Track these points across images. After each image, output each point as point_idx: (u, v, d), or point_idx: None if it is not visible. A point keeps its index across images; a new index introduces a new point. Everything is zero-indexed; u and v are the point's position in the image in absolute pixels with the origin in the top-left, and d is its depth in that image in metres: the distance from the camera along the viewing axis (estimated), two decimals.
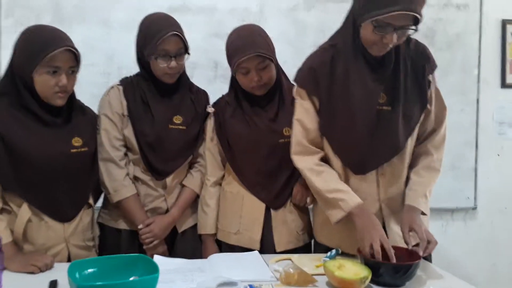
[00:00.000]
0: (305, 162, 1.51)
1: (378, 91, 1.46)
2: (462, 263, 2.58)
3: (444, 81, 2.49)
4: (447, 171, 2.51)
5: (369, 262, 1.34)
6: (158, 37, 1.59)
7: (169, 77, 1.67)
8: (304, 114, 1.53)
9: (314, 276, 1.35)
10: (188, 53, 1.69)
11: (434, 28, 2.50)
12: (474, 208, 2.59)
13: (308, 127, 1.52)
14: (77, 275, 1.18)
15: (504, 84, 2.59)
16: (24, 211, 1.41)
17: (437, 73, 2.47)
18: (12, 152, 1.38)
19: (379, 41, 1.38)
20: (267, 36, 1.67)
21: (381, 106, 1.47)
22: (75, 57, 1.45)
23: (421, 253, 1.36)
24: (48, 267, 1.38)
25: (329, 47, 1.52)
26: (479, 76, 2.55)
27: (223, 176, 1.78)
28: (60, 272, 1.29)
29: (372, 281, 1.33)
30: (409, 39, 1.50)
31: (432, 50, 2.47)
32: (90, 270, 1.22)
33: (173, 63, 1.63)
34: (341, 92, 1.47)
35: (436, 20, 2.50)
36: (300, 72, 1.56)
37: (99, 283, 1.14)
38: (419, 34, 1.45)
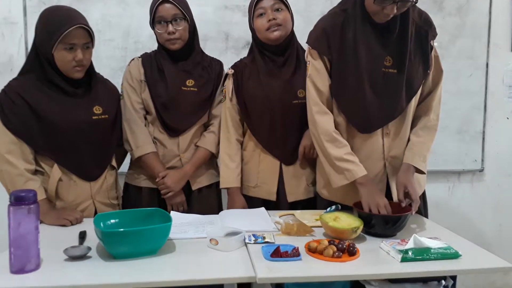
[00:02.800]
0: (327, 124, 1.59)
1: (383, 55, 1.56)
2: (469, 224, 2.65)
3: (453, 45, 2.53)
4: (455, 134, 2.57)
5: (362, 214, 1.47)
6: (153, 5, 1.78)
7: (171, 43, 1.80)
8: (316, 74, 1.61)
9: (312, 228, 1.49)
10: (187, 20, 1.80)
11: None
12: (481, 170, 2.63)
13: (320, 88, 1.61)
14: (101, 224, 1.35)
15: None
16: (55, 171, 1.58)
17: (445, 37, 2.52)
18: (41, 120, 1.55)
19: (380, 11, 1.48)
20: None
21: (387, 68, 1.57)
22: (89, 34, 1.57)
23: (413, 212, 1.49)
24: (78, 221, 1.57)
25: (340, 12, 1.60)
26: (489, 40, 2.55)
27: (244, 133, 1.90)
28: (88, 225, 1.47)
29: (366, 232, 1.47)
30: (414, 6, 1.56)
31: (441, 15, 2.53)
32: (112, 221, 1.39)
33: (170, 28, 1.77)
34: (350, 55, 1.56)
35: None
36: (313, 34, 1.64)
37: (120, 229, 1.30)
38: (428, 0, 1.49)
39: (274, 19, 1.74)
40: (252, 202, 1.84)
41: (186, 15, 1.80)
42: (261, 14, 1.76)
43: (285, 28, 1.77)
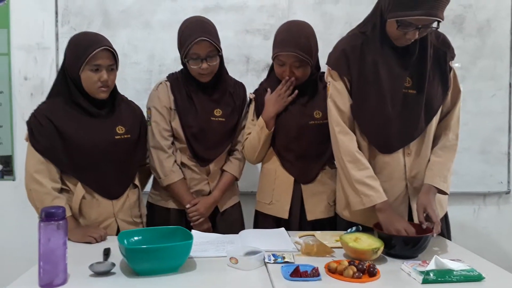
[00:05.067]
0: (349, 144, 1.59)
1: (404, 76, 1.57)
2: (496, 247, 2.57)
3: (474, 66, 2.52)
4: (478, 155, 2.53)
5: (382, 235, 1.46)
6: (188, 42, 1.74)
7: (203, 77, 1.83)
8: (337, 95, 1.63)
9: (333, 249, 1.49)
10: (220, 55, 1.82)
11: (464, 15, 2.50)
12: (508, 193, 2.57)
13: (341, 108, 1.62)
14: (125, 241, 1.38)
15: None
16: (79, 190, 1.64)
17: (466, 58, 2.51)
18: (67, 141, 1.61)
19: (402, 37, 1.50)
20: (313, 38, 1.80)
21: (407, 89, 1.58)
22: (114, 57, 1.65)
23: (434, 235, 1.47)
24: (103, 238, 1.61)
25: (359, 34, 1.63)
26: (511, 61, 2.53)
27: None
28: (112, 242, 1.50)
29: (387, 254, 1.45)
30: None
31: (461, 36, 2.54)
32: (136, 238, 1.42)
33: (204, 65, 1.78)
34: (371, 76, 1.57)
35: (466, 7, 2.50)
36: (333, 55, 1.67)
37: (143, 246, 1.33)
38: (447, 21, 1.50)
39: (290, 75, 1.78)
40: (265, 221, 1.86)
41: (219, 48, 1.80)
42: (279, 63, 1.79)
43: (300, 80, 1.81)
